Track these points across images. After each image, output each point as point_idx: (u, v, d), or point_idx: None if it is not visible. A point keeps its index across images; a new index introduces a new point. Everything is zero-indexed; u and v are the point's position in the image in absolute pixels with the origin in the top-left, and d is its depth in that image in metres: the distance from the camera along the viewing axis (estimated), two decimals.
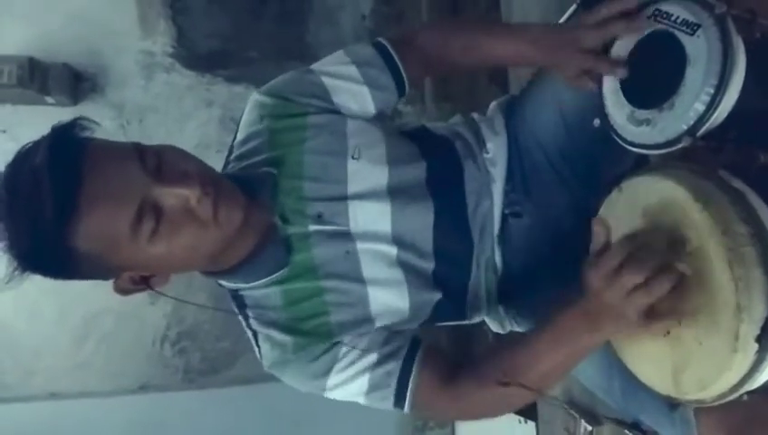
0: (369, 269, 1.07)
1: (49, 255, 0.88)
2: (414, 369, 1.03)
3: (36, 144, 0.89)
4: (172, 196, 0.90)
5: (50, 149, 0.86)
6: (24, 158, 0.88)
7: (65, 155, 0.86)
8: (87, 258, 0.89)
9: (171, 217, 0.91)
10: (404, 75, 1.15)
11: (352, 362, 1.03)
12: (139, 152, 0.91)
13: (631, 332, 0.85)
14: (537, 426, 2.19)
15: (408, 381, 1.03)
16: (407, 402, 1.04)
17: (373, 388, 1.04)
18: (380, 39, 1.18)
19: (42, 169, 0.84)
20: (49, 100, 2.55)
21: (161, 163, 0.92)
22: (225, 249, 1.00)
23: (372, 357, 1.03)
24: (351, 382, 1.04)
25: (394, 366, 1.03)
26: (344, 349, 1.03)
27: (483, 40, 1.15)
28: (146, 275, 0.98)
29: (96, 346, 2.71)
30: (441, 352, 1.08)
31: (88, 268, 0.92)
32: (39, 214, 0.83)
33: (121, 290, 1.00)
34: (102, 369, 2.72)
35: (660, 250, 0.80)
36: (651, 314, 0.80)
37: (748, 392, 0.78)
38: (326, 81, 1.12)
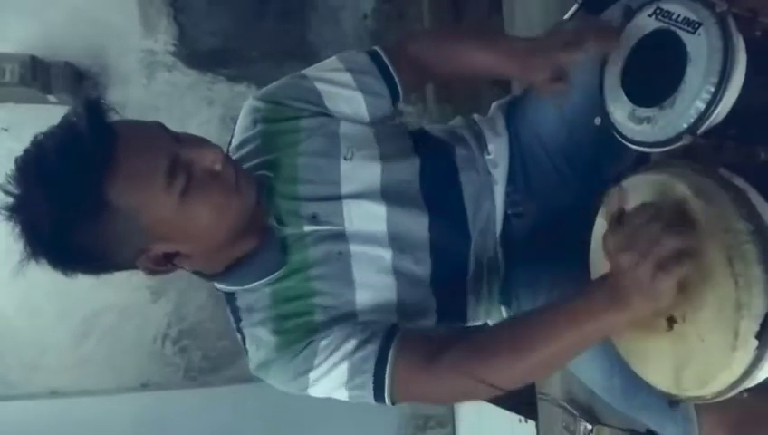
0: (359, 273, 1.07)
1: (84, 205, 0.88)
2: (390, 352, 1.00)
3: (62, 120, 0.91)
4: (201, 157, 0.94)
5: (87, 108, 0.89)
6: (50, 130, 0.90)
7: (101, 113, 0.90)
8: (119, 217, 0.90)
9: (200, 178, 0.94)
10: (398, 83, 1.17)
11: (331, 353, 1.01)
12: (162, 125, 0.97)
13: (661, 304, 0.80)
14: (537, 425, 2.19)
15: (386, 365, 0.99)
16: (386, 388, 1.00)
17: (352, 375, 1.01)
18: (375, 47, 1.19)
19: (80, 121, 0.87)
20: (51, 98, 2.55)
21: (180, 138, 0.96)
22: (237, 235, 1.01)
23: (350, 344, 1.01)
24: (331, 372, 1.02)
25: (371, 350, 1.00)
26: (324, 342, 1.02)
27: (462, 51, 1.16)
28: (171, 251, 0.98)
29: (97, 344, 2.72)
30: (422, 335, 1.06)
31: (116, 233, 0.92)
32: (76, 166, 0.86)
33: (147, 269, 1.00)
34: (104, 367, 2.72)
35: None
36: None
37: (748, 390, 0.78)
38: (319, 86, 1.14)
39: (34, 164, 0.88)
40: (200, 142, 0.97)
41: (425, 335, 1.06)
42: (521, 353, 0.93)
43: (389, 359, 0.99)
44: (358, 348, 1.01)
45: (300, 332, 1.03)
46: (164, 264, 0.99)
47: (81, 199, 0.87)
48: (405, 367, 0.99)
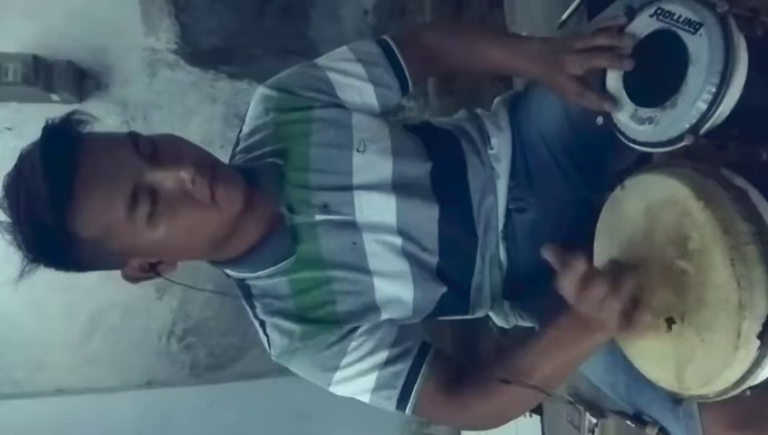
0: (375, 261, 1.08)
1: (50, 243, 0.89)
2: (422, 372, 1.04)
3: (35, 142, 0.90)
4: (166, 178, 0.91)
5: (43, 141, 0.88)
6: (24, 156, 0.90)
7: (59, 145, 0.88)
8: (89, 245, 0.90)
9: (168, 200, 0.91)
10: (407, 74, 1.16)
11: (361, 359, 1.04)
12: (134, 139, 0.93)
13: (620, 334, 0.89)
14: (542, 420, 2.20)
15: (414, 385, 1.04)
16: (409, 405, 1.05)
17: (379, 387, 1.04)
18: (385, 37, 1.19)
19: (36, 160, 0.86)
20: (54, 97, 2.56)
21: (156, 149, 0.93)
22: (230, 234, 1.00)
23: (382, 356, 1.04)
24: (358, 379, 1.04)
25: (402, 367, 1.04)
26: (354, 343, 1.04)
27: (480, 47, 1.16)
28: (153, 261, 0.99)
29: (103, 342, 2.73)
30: (448, 358, 1.10)
31: (92, 255, 0.93)
32: (37, 203, 0.86)
33: (130, 278, 1.01)
34: (109, 364, 2.74)
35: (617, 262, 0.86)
36: (634, 316, 0.84)
37: (751, 388, 0.79)
38: (332, 76, 1.13)
39: (5, 198, 0.90)
40: (173, 158, 0.92)
41: (450, 360, 1.10)
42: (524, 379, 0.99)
43: (419, 379, 1.04)
44: (389, 362, 1.04)
45: (324, 322, 1.04)
46: (149, 270, 1.00)
47: (47, 234, 0.88)
48: (431, 390, 1.05)
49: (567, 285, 0.84)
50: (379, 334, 1.05)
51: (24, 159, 0.90)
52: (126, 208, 0.88)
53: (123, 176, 0.89)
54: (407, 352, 1.05)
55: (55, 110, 2.61)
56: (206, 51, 2.79)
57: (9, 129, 2.61)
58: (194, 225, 0.94)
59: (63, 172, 0.86)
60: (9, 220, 0.90)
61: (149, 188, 0.90)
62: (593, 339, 0.91)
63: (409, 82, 1.18)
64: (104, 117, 2.62)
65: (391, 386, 1.04)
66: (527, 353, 0.99)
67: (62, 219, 0.87)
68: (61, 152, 0.87)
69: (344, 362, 1.04)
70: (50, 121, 0.91)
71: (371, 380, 1.04)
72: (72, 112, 0.94)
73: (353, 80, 1.14)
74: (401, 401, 1.05)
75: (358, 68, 1.14)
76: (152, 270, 1.00)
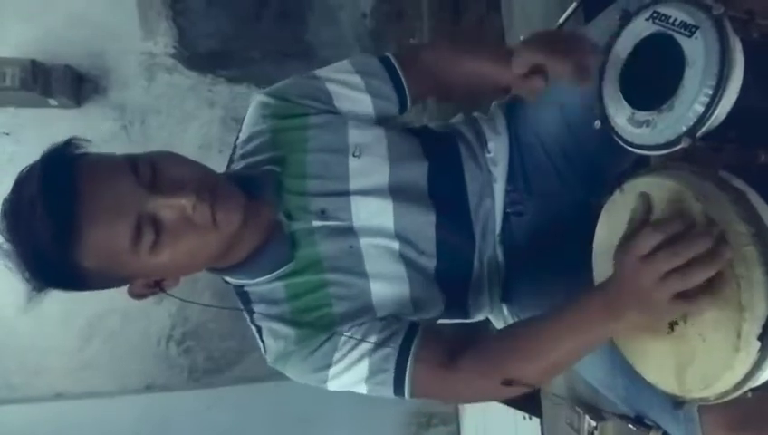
0: (372, 264, 1.09)
1: (56, 275, 0.91)
2: (411, 351, 1.03)
3: (32, 168, 0.91)
4: (168, 207, 0.92)
5: (43, 175, 0.88)
6: (21, 183, 0.91)
7: (58, 179, 0.87)
8: (95, 273, 0.92)
9: (170, 228, 0.92)
10: (406, 90, 1.18)
11: (351, 349, 1.04)
12: (132, 164, 0.92)
13: (656, 318, 0.82)
14: (541, 422, 2.20)
15: (407, 365, 1.03)
16: (406, 387, 1.04)
17: (373, 373, 1.04)
18: (387, 54, 1.20)
19: (36, 196, 0.86)
20: (52, 102, 2.56)
21: (155, 172, 0.93)
22: (229, 248, 1.02)
23: (371, 342, 1.04)
24: (351, 369, 1.04)
25: (391, 349, 1.03)
26: (343, 338, 1.04)
27: (475, 61, 1.14)
28: (158, 279, 1.01)
29: (101, 346, 2.73)
30: (440, 335, 1.08)
31: (96, 280, 0.95)
32: (39, 239, 0.86)
33: (135, 295, 1.02)
34: (108, 369, 2.73)
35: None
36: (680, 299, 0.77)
37: (752, 390, 0.79)
38: (330, 87, 1.15)
39: (5, 227, 0.90)
40: (174, 184, 0.93)
41: (443, 336, 1.08)
42: (529, 360, 0.98)
43: (410, 359, 1.03)
44: (378, 346, 1.03)
45: (319, 324, 1.05)
46: (154, 286, 1.02)
47: (50, 266, 0.89)
48: (424, 368, 1.03)
49: (640, 246, 0.78)
50: (367, 324, 1.05)
51: (23, 192, 0.89)
52: (130, 240, 0.90)
53: (126, 208, 0.89)
54: (395, 335, 1.04)
55: (53, 114, 2.61)
56: (204, 55, 2.80)
57: (7, 134, 2.60)
58: (196, 248, 0.96)
59: (64, 210, 0.86)
60: (10, 246, 0.91)
61: (152, 217, 0.91)
62: (620, 322, 0.85)
63: (408, 98, 1.19)
64: (102, 121, 2.62)
65: (383, 370, 1.03)
66: (538, 334, 0.97)
67: (65, 254, 0.88)
68: (60, 188, 0.87)
69: (336, 356, 1.04)
70: (47, 152, 0.91)
71: (364, 368, 1.03)
72: (69, 140, 0.94)
73: (351, 91, 1.15)
74: (397, 385, 1.03)
75: (356, 79, 1.15)
76: (157, 286, 1.02)
